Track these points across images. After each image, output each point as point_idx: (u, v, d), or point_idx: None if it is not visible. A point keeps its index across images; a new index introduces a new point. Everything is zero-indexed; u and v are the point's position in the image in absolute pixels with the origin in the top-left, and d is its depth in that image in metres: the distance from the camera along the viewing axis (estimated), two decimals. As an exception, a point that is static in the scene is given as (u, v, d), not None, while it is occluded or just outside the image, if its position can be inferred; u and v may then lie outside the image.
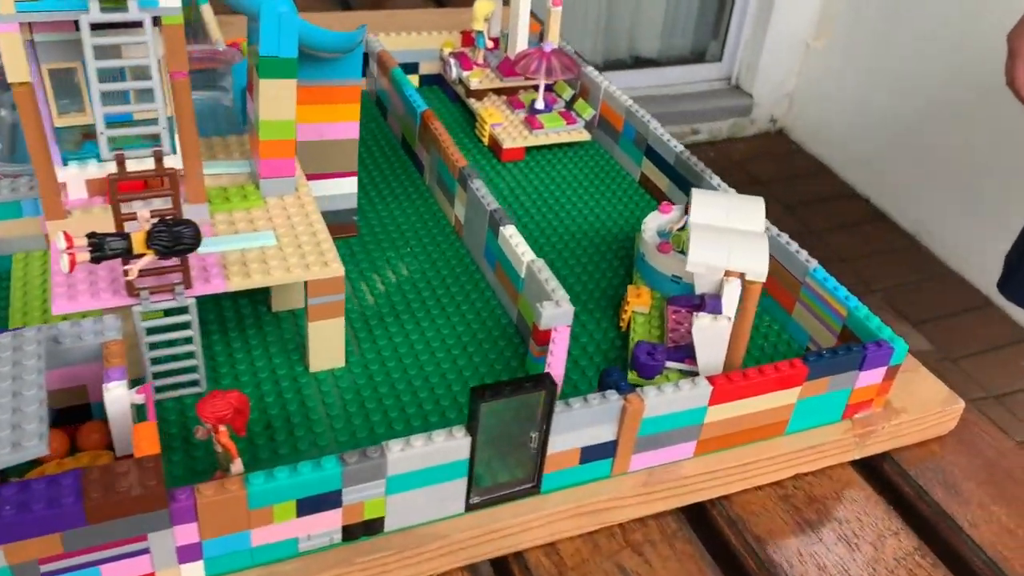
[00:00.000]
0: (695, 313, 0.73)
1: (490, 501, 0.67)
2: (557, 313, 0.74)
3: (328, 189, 0.89)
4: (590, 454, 0.69)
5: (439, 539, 0.65)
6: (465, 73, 1.15)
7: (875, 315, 0.79)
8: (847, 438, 0.78)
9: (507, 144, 1.08)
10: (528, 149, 1.11)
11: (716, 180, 0.95)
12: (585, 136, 1.13)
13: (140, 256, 0.62)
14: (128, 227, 0.63)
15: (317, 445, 0.70)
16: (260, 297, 0.82)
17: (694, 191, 0.79)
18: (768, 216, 0.82)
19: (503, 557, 0.68)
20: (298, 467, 0.58)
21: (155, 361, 0.69)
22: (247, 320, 0.80)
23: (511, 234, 0.83)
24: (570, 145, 1.14)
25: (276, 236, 0.73)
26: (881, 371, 0.77)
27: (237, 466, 0.62)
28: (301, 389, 0.74)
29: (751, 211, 0.76)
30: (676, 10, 3.44)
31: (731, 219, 0.75)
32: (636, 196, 1.06)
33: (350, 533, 0.63)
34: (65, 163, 0.72)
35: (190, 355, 0.70)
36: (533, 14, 1.16)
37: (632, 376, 0.78)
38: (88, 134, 0.72)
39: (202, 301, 0.81)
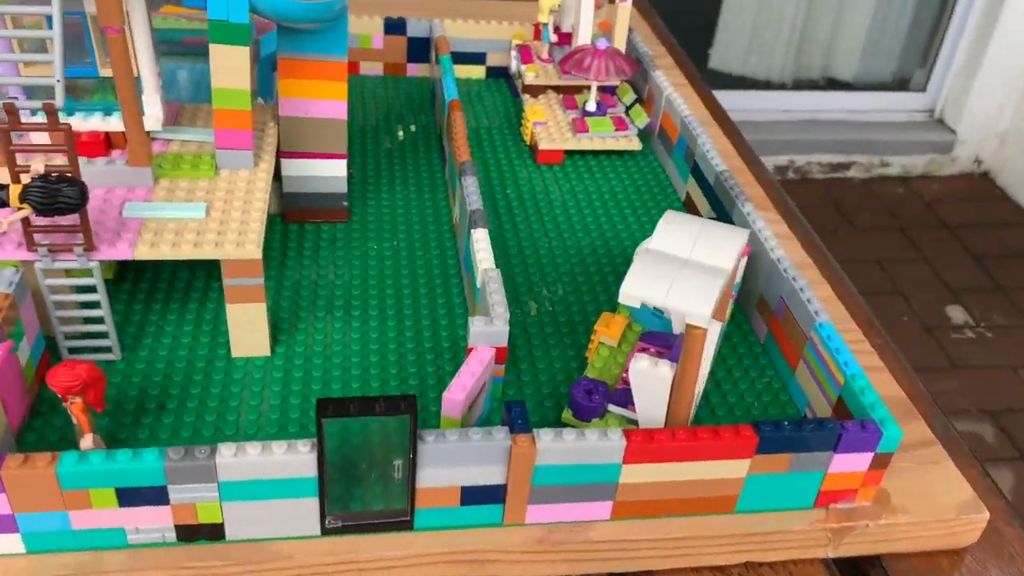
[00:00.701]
0: (635, 354, 0.62)
1: (353, 528, 0.60)
2: (486, 331, 0.66)
3: (314, 170, 0.85)
4: (473, 496, 0.60)
5: (285, 559, 0.59)
6: (523, 67, 1.08)
7: (873, 391, 0.65)
8: (817, 530, 0.64)
9: (544, 145, 1.00)
10: (571, 153, 1.03)
11: (748, 208, 0.83)
12: (635, 145, 1.02)
13: (19, 210, 0.60)
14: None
15: (201, 435, 0.65)
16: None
17: (668, 213, 0.68)
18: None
19: (364, 592, 0.61)
20: (115, 454, 0.54)
21: (65, 322, 0.68)
22: (195, 293, 0.78)
23: (478, 239, 0.75)
24: (620, 153, 1.04)
25: (208, 209, 0.70)
26: (866, 457, 0.63)
27: (86, 441, 0.59)
28: (211, 373, 0.70)
29: (724, 244, 0.65)
30: (881, 31, 3.17)
31: (696, 250, 0.64)
32: (673, 217, 0.95)
33: (186, 533, 0.58)
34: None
35: (99, 320, 0.68)
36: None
37: (567, 415, 0.68)
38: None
39: (158, 267, 0.80)
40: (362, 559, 0.60)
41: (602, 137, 1.01)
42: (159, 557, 0.58)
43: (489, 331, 0.66)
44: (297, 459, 0.56)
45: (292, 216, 0.87)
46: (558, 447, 0.58)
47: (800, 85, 3.24)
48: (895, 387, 0.77)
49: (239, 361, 0.71)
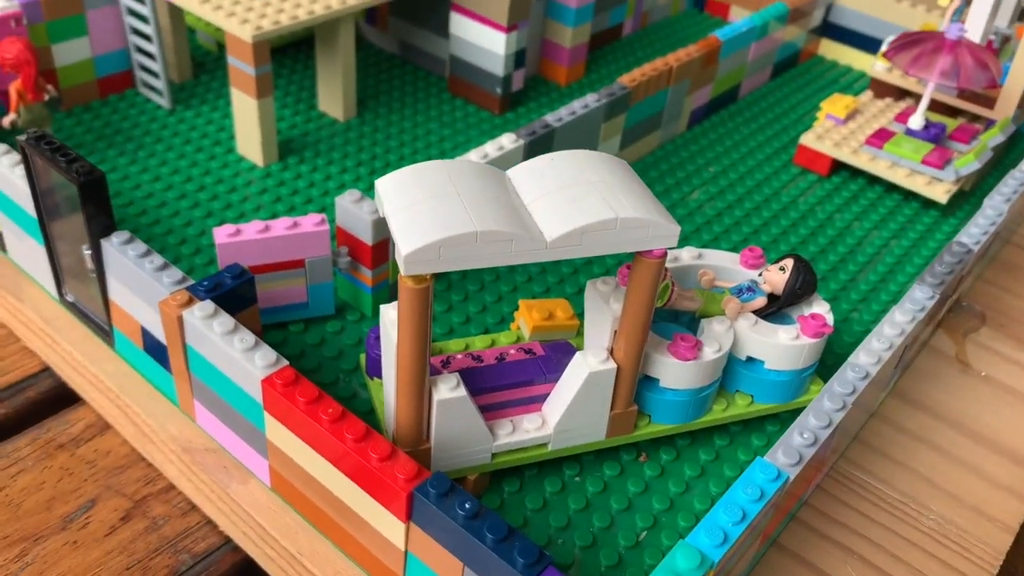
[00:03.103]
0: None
1: (79, 312, 0.52)
2: (351, 209, 0.50)
3: (475, 36, 0.72)
4: (151, 345, 0.47)
5: (18, 299, 0.53)
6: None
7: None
8: None
9: (806, 140, 0.71)
10: (853, 172, 0.71)
11: (922, 293, 0.48)
12: (938, 195, 0.66)
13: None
14: None
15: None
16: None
17: (589, 153, 0.41)
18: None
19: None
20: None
21: (135, 49, 0.70)
22: (285, 97, 0.74)
23: (503, 143, 0.57)
24: (924, 202, 0.69)
25: (272, -8, 0.64)
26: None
27: (6, 120, 0.61)
28: (207, 167, 0.65)
29: (574, 212, 0.37)
30: None
31: (543, 202, 0.38)
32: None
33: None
34: None
35: (152, 56, 0.69)
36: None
37: (363, 360, 0.49)
38: None
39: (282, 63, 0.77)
40: (62, 344, 0.51)
41: (894, 163, 0.68)
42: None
43: (353, 210, 0.50)
44: (11, 175, 0.49)
45: (453, 85, 0.77)
46: (203, 332, 0.42)
47: None
48: None
49: (233, 160, 0.66)
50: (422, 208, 0.37)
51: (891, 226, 0.67)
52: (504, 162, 0.58)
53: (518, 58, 0.73)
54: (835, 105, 0.73)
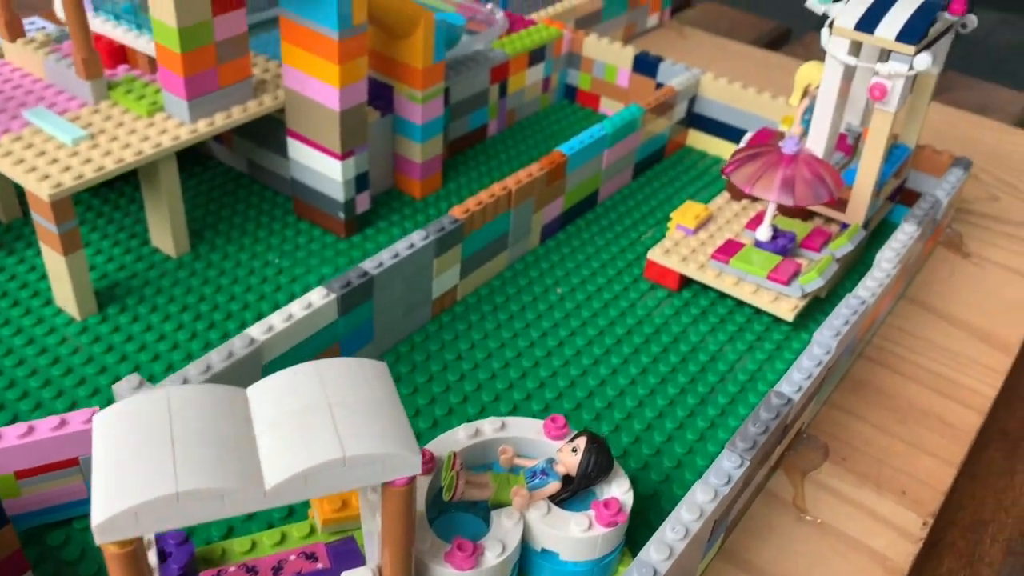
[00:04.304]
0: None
1: None
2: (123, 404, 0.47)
3: (313, 162, 0.70)
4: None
5: None
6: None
7: None
8: None
9: (654, 256, 0.69)
10: (704, 288, 0.69)
11: (733, 463, 0.46)
12: (785, 313, 0.64)
13: None
14: None
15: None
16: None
17: (351, 362, 0.39)
18: None
19: None
20: None
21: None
22: (118, 232, 0.71)
23: (312, 300, 0.54)
24: (764, 315, 0.67)
25: (79, 141, 0.61)
26: None
27: None
28: (19, 324, 0.62)
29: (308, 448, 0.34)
30: None
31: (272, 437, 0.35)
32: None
33: None
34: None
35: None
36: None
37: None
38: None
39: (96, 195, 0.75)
40: None
41: (738, 278, 0.66)
42: None
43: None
44: None
45: (298, 208, 0.74)
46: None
47: None
48: None
49: (53, 316, 0.63)
50: (125, 461, 0.34)
51: (739, 345, 0.65)
52: (315, 319, 0.55)
53: (359, 182, 0.71)
54: (685, 215, 0.71)
